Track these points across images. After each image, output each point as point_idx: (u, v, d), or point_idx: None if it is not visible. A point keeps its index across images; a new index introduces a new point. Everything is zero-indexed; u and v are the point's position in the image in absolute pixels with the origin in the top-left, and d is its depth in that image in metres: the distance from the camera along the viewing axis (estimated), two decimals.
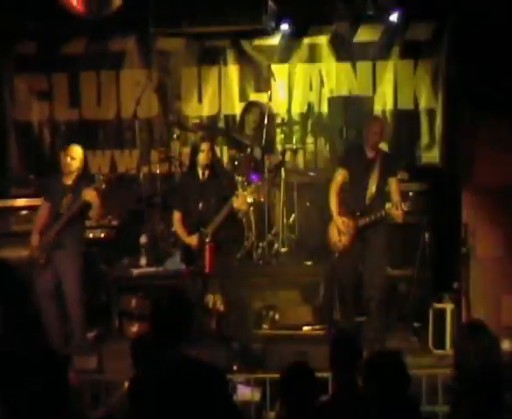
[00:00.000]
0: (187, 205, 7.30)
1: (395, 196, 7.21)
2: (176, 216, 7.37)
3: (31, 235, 7.38)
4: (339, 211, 7.31)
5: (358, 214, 7.20)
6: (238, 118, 9.60)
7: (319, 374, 5.06)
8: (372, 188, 7.21)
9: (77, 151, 7.46)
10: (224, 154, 9.53)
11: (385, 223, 7.26)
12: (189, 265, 7.21)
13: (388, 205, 7.08)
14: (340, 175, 7.40)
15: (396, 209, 7.01)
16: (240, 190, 6.98)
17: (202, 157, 7.10)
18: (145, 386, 3.78)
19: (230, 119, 9.78)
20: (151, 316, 3.89)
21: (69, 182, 7.42)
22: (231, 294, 7.37)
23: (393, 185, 7.28)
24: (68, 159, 7.36)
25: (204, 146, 7.12)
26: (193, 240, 7.13)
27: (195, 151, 7.22)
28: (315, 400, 4.20)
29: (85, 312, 7.45)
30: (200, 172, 7.19)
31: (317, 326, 7.91)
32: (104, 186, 7.33)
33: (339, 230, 7.29)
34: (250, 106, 9.39)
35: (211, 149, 7.16)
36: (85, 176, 7.57)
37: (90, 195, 7.24)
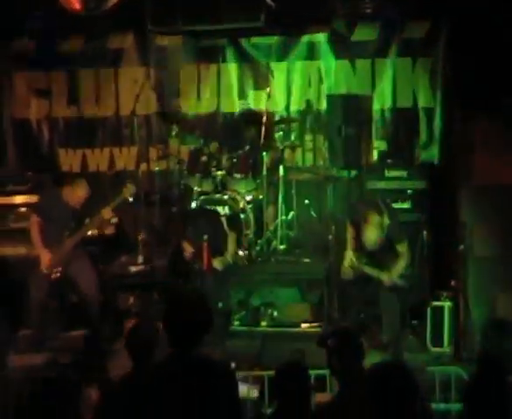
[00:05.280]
0: None
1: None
2: None
3: (38, 252, 7.38)
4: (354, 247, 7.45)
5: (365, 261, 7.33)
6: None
7: (317, 372, 5.09)
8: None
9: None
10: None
11: None
12: None
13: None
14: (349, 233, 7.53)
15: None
16: None
17: None
18: (155, 382, 3.80)
19: (228, 116, 9.80)
20: (166, 318, 3.88)
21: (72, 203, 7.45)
22: None
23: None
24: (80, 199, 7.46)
25: None
26: None
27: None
28: (309, 398, 4.17)
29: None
30: None
31: (315, 324, 7.92)
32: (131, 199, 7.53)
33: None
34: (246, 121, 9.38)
35: None
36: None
37: (108, 213, 7.41)
